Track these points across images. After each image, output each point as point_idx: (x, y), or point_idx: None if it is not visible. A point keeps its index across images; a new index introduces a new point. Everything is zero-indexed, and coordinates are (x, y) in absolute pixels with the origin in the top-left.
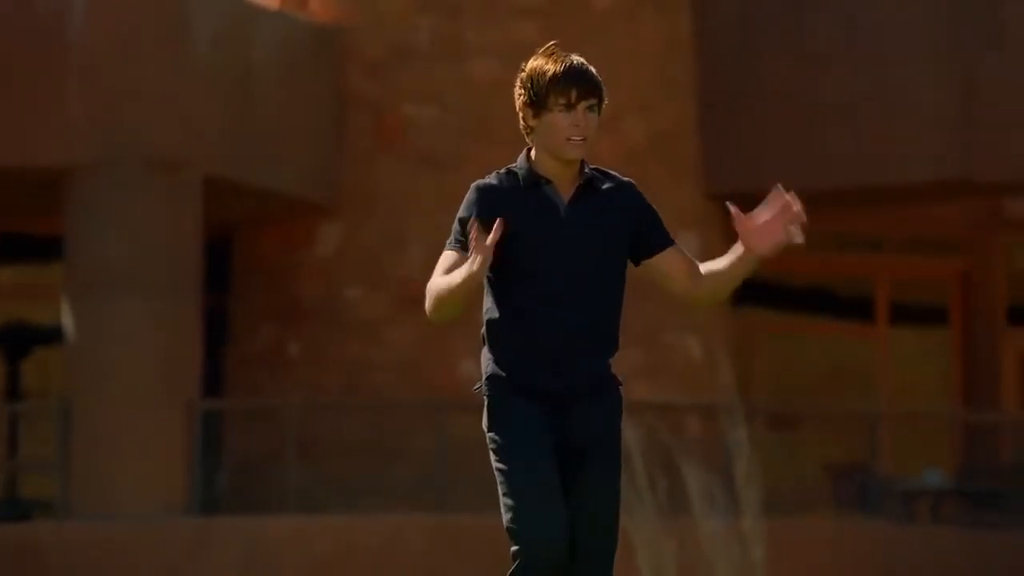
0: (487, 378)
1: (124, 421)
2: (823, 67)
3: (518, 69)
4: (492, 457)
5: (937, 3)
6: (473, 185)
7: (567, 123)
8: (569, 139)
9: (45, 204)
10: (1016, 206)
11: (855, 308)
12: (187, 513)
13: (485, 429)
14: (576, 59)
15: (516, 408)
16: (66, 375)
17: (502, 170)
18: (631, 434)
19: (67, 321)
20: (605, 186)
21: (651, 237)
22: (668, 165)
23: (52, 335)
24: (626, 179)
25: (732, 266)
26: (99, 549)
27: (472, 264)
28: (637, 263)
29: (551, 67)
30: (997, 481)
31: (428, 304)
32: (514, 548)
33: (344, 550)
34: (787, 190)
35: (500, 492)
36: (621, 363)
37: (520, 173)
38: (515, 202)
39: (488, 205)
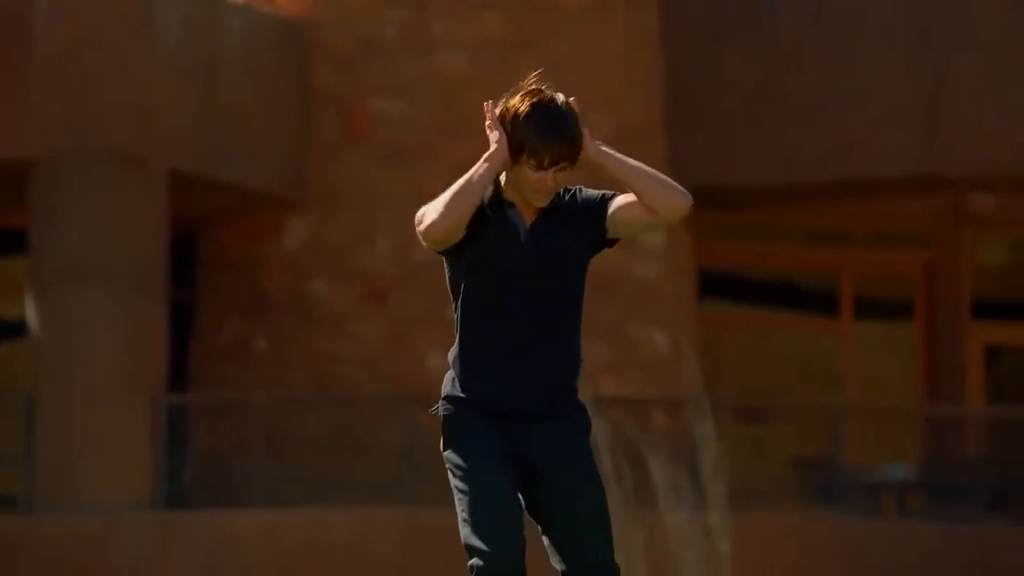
0: (444, 398)
1: (89, 415)
2: (790, 63)
3: (487, 65)
4: (450, 476)
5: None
6: None
7: (535, 178)
8: (537, 193)
9: (9, 197)
10: (981, 201)
11: (820, 302)
12: (153, 507)
13: (442, 450)
14: (557, 112)
15: (472, 426)
16: (31, 369)
17: None
18: (598, 427)
19: (32, 315)
20: (562, 202)
21: (599, 213)
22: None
23: (16, 329)
24: (589, 191)
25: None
26: (65, 543)
27: (493, 144)
28: (612, 240)
29: (530, 123)
30: (962, 474)
31: (433, 214)
32: (472, 562)
33: (311, 544)
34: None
35: (458, 509)
36: (588, 357)
37: (486, 194)
38: (483, 220)
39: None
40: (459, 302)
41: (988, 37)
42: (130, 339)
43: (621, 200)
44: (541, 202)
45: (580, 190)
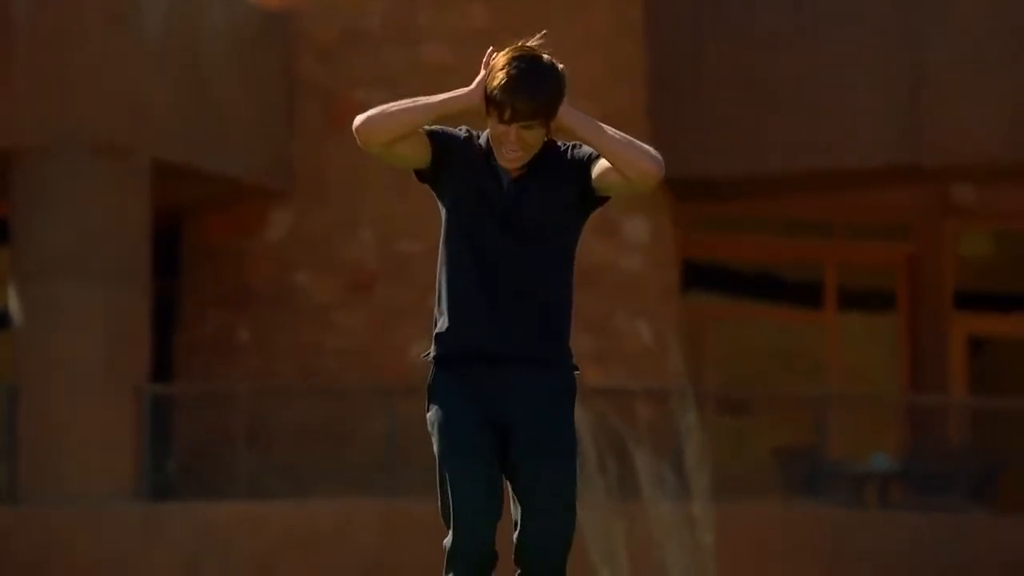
0: (434, 339)
1: (72, 406)
2: (773, 52)
3: (471, 55)
4: (431, 435)
5: None
6: (462, 127)
7: (498, 132)
8: (501, 146)
9: None
10: (963, 192)
11: (804, 293)
12: (137, 498)
13: (425, 411)
14: (530, 68)
15: (453, 397)
16: (13, 360)
17: (478, 133)
18: (581, 418)
19: (14, 306)
20: (546, 155)
21: (585, 172)
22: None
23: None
24: (583, 149)
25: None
26: (48, 535)
27: (473, 84)
28: (599, 198)
29: (500, 75)
30: (945, 464)
31: (374, 114)
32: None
33: (294, 535)
34: (736, 175)
35: (437, 470)
36: (572, 349)
37: (482, 141)
38: (476, 164)
39: (463, 146)
40: (442, 237)
41: (969, 25)
42: (113, 330)
43: (603, 162)
44: (502, 159)
45: (576, 146)
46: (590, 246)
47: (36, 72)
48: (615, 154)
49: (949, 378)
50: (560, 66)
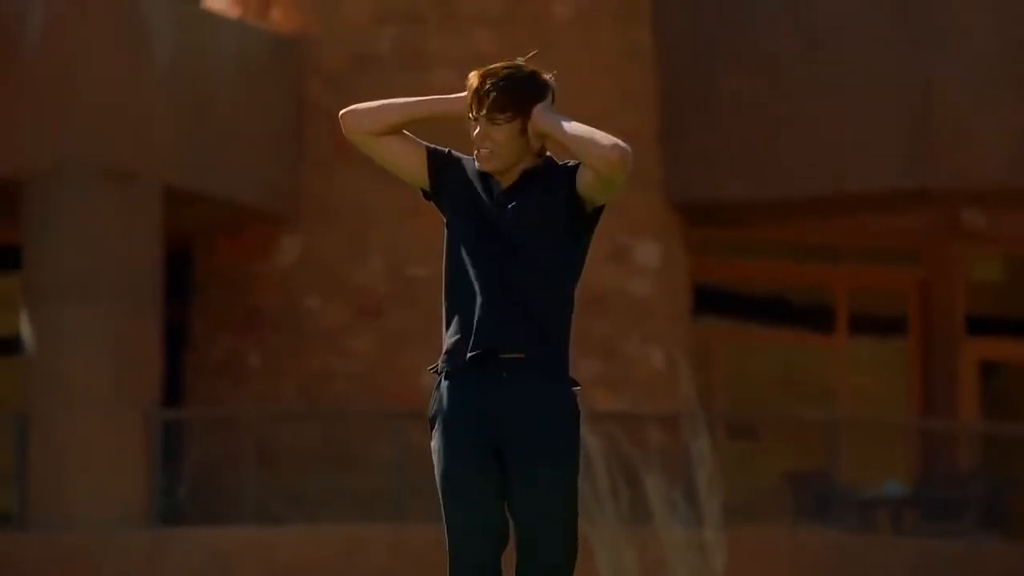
0: (443, 354)
1: (82, 431)
2: (781, 77)
3: None
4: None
5: (894, 13)
6: (457, 152)
7: (474, 134)
8: (478, 151)
9: (2, 212)
10: (973, 216)
11: (814, 318)
12: (146, 523)
13: (429, 423)
14: (505, 67)
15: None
16: (24, 385)
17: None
18: (592, 443)
19: (25, 331)
20: (543, 170)
21: (571, 180)
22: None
23: (9, 345)
24: (571, 164)
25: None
26: (58, 560)
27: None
28: (593, 211)
29: (476, 79)
30: (956, 490)
31: (362, 108)
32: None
33: (302, 560)
34: (745, 199)
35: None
36: (583, 373)
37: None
38: (469, 180)
39: (458, 164)
40: (444, 252)
41: (977, 49)
42: (123, 354)
43: (581, 169)
44: (483, 165)
45: (562, 164)
46: (600, 271)
47: (46, 97)
48: (578, 146)
49: (960, 403)
50: (545, 76)
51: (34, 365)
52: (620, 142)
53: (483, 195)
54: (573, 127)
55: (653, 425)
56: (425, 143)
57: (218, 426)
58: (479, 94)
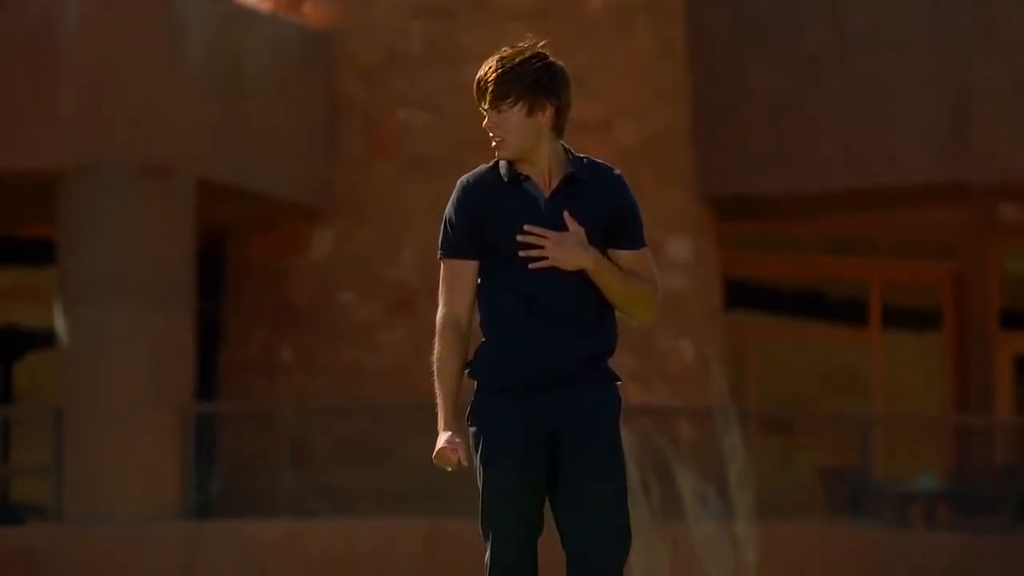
0: (471, 366)
1: (117, 425)
2: (815, 72)
3: None
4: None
5: (928, 8)
6: (459, 182)
7: (485, 125)
8: (492, 141)
9: (38, 209)
10: (1009, 210)
11: (848, 312)
12: (180, 517)
13: (468, 425)
14: (512, 54)
15: (496, 411)
16: (59, 379)
17: (489, 164)
18: (624, 437)
19: (60, 325)
20: (589, 177)
21: (618, 231)
22: (660, 170)
23: (44, 339)
24: (616, 171)
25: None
26: (92, 553)
27: (449, 452)
28: (604, 251)
29: (479, 74)
30: (991, 484)
31: (436, 347)
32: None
33: (337, 555)
34: (779, 194)
35: (479, 485)
36: (615, 368)
37: (502, 168)
38: (498, 197)
39: (473, 202)
40: (482, 269)
41: (1014, 43)
42: (158, 349)
43: (631, 256)
44: (498, 153)
45: (604, 168)
46: None
47: (81, 94)
48: (619, 305)
49: (995, 398)
50: (553, 61)
51: (69, 360)
52: (656, 303)
53: (515, 200)
54: (619, 287)
55: (685, 419)
56: (459, 258)
57: (252, 421)
58: (480, 87)
